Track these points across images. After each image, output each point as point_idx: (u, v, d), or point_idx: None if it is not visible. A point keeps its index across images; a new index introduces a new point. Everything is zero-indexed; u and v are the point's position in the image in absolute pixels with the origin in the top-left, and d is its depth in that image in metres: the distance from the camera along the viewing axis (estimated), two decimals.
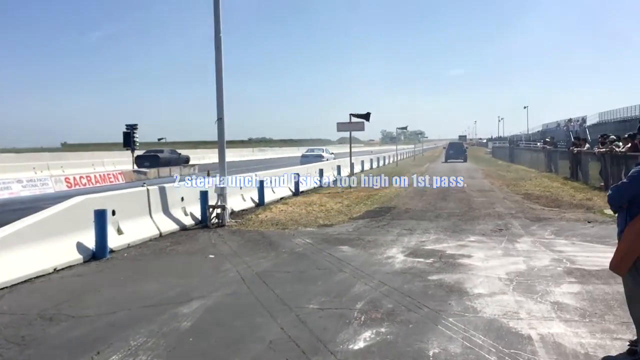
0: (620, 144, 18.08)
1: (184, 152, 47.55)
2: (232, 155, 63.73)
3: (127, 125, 34.14)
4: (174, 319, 5.70)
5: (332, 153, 45.69)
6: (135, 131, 33.96)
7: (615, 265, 4.40)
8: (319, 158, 38.70)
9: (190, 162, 41.22)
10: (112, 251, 9.07)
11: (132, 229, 10.05)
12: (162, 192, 11.44)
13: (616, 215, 4.59)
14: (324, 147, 55.17)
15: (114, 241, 9.28)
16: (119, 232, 9.67)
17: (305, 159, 39.48)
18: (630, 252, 4.24)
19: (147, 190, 10.99)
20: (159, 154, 40.40)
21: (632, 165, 4.55)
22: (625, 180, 4.40)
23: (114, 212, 9.57)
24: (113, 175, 28.46)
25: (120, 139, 34.54)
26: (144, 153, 41.48)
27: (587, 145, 23.51)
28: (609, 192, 4.54)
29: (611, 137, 19.80)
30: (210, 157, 49.59)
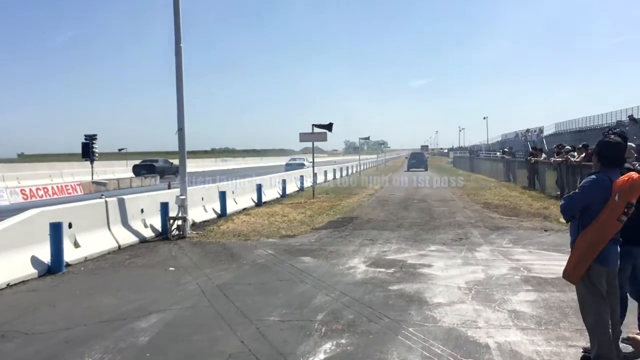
0: (575, 153, 18.57)
1: None
2: (194, 165, 63.10)
3: (86, 135, 33.49)
4: (131, 334, 5.58)
5: (310, 162, 50.95)
6: (94, 142, 33.37)
7: (568, 274, 4.50)
8: (302, 166, 43.58)
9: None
10: (68, 265, 8.84)
11: (90, 241, 9.82)
12: (121, 204, 11.23)
13: (569, 224, 4.70)
14: (304, 157, 59.69)
15: (70, 255, 9.06)
16: (76, 245, 9.44)
17: (289, 167, 43.90)
18: (582, 261, 4.35)
19: (106, 202, 10.77)
20: (154, 163, 43.75)
21: (587, 175, 4.67)
22: (577, 190, 4.52)
23: (70, 225, 9.34)
24: (71, 186, 27.77)
25: (80, 150, 33.88)
26: (141, 162, 45.88)
27: (544, 155, 24.05)
28: (562, 201, 4.65)
29: (566, 147, 20.33)
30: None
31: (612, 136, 4.56)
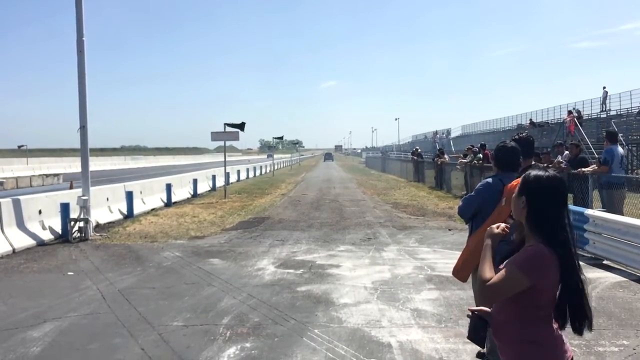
0: (481, 155, 19.41)
1: (48, 159, 58.58)
2: (102, 163, 60.78)
3: None
4: (22, 344, 5.25)
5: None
6: None
7: (456, 271, 4.66)
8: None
9: (55, 172, 39.79)
10: None
11: None
12: (17, 205, 10.57)
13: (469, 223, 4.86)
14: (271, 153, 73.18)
15: None
16: None
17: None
18: (469, 260, 4.51)
19: None
20: (272, 154, 65.21)
21: (484, 178, 4.86)
22: (472, 193, 4.69)
23: None
24: None
25: None
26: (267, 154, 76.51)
27: (446, 157, 25.02)
28: (460, 203, 4.81)
29: (474, 148, 21.23)
30: (79, 165, 47.13)
31: (509, 141, 4.74)
